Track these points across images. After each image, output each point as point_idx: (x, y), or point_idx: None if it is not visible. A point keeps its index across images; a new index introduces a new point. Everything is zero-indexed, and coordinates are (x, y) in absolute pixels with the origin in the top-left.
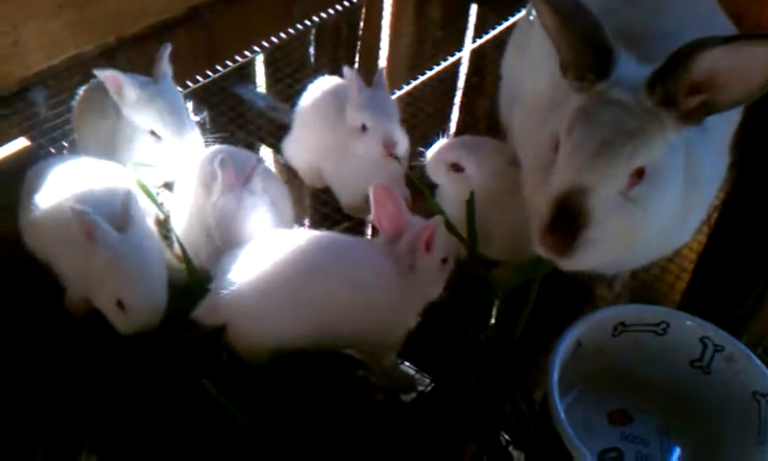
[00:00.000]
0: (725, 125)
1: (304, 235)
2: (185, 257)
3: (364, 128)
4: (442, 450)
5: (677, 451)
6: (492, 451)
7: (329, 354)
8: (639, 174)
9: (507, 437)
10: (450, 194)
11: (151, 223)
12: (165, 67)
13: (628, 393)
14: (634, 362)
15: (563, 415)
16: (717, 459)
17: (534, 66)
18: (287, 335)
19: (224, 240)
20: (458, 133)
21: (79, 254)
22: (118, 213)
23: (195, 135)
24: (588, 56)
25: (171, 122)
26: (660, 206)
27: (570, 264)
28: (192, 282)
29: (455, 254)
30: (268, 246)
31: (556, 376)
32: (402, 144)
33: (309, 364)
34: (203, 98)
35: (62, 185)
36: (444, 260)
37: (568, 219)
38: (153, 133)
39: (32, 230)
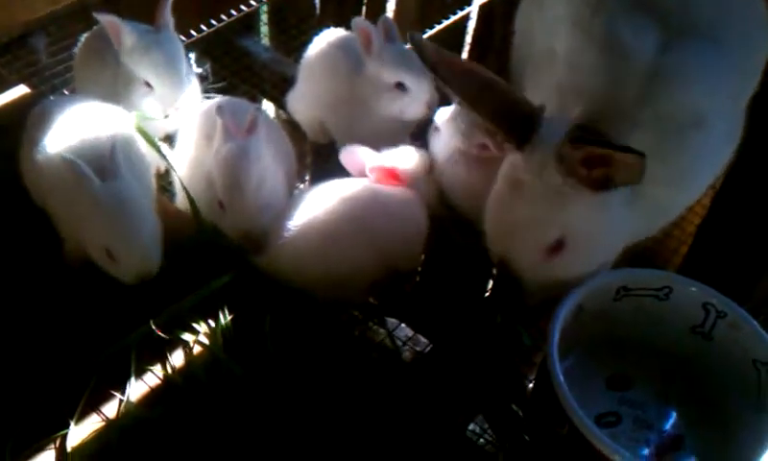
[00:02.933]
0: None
1: (354, 184)
2: (192, 207)
3: (400, 87)
4: (441, 410)
5: (674, 417)
6: (493, 411)
7: (332, 312)
8: (559, 244)
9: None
10: (436, 156)
11: (153, 172)
12: (167, 17)
13: (628, 358)
14: (634, 327)
15: (561, 378)
16: (716, 426)
17: (549, 26)
18: (351, 268)
19: (226, 189)
20: None
21: (72, 201)
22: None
23: (192, 89)
24: (505, 126)
25: (164, 74)
26: (590, 261)
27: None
28: (199, 232)
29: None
30: (323, 195)
31: (556, 339)
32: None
33: (312, 321)
34: (206, 49)
35: (61, 129)
36: None
37: (506, 283)
38: (147, 83)
39: (30, 174)
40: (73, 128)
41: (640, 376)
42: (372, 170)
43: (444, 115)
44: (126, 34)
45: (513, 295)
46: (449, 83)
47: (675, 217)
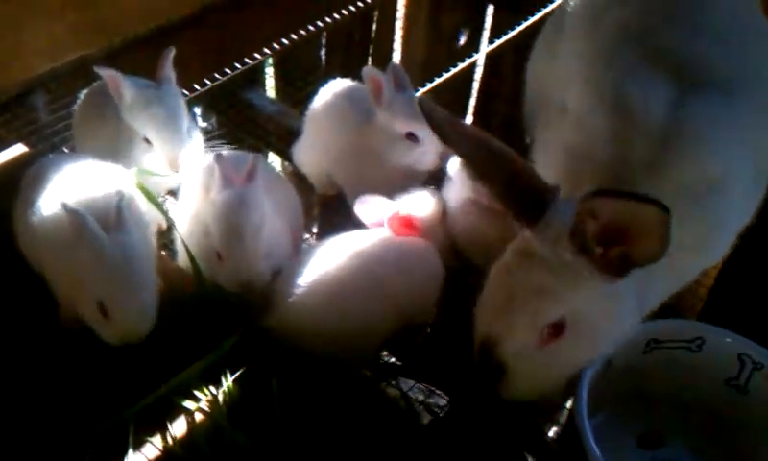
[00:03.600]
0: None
1: (366, 237)
2: (193, 265)
3: (412, 137)
4: None
5: None
6: None
7: (344, 373)
8: (559, 327)
9: None
10: (449, 203)
11: (154, 231)
12: (168, 71)
13: (659, 414)
14: (665, 381)
15: (592, 440)
16: None
17: (561, 80)
18: (366, 325)
19: (223, 237)
20: None
21: (69, 257)
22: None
23: (195, 145)
24: (515, 202)
25: (164, 130)
26: (589, 351)
27: (503, 396)
28: (200, 291)
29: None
30: (331, 249)
31: (585, 398)
32: None
33: (322, 384)
34: (210, 103)
35: (57, 187)
36: None
37: (489, 363)
38: (146, 139)
39: (25, 237)
40: (70, 185)
41: (673, 433)
42: (390, 220)
43: (456, 163)
44: (125, 88)
45: (489, 387)
46: (459, 152)
47: (691, 282)
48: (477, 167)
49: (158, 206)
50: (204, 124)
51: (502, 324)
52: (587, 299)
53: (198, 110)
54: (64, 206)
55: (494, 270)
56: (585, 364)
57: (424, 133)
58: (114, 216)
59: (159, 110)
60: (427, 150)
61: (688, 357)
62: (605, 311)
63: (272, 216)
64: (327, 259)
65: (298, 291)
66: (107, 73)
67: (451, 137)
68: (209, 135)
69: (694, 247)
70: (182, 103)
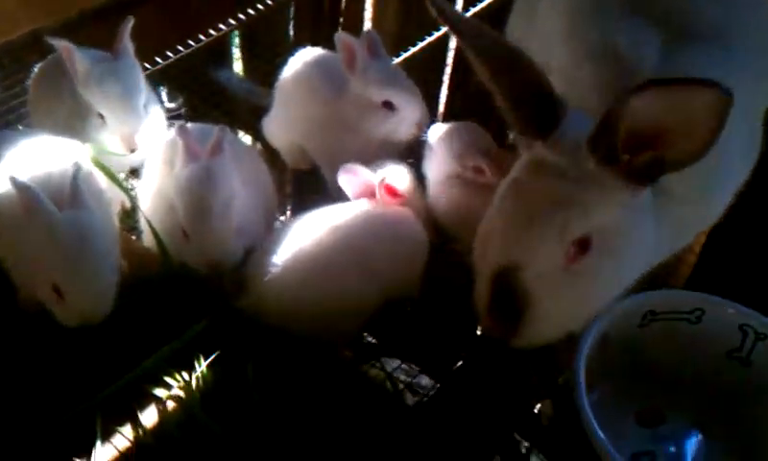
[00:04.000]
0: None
1: (345, 209)
2: (159, 244)
3: (388, 105)
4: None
5: (714, 450)
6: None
7: (324, 354)
8: (584, 244)
9: (525, 443)
10: (429, 176)
11: (117, 210)
12: (126, 42)
13: (658, 389)
14: (664, 355)
15: (593, 418)
16: (758, 456)
17: (541, 40)
18: (348, 302)
19: (189, 214)
20: (447, 112)
21: (22, 237)
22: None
23: (154, 121)
24: (526, 110)
25: (118, 107)
26: (615, 274)
27: (518, 344)
28: (167, 272)
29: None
30: (309, 224)
31: (582, 375)
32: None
33: (301, 367)
34: (177, 82)
35: (8, 162)
36: None
37: (505, 302)
38: (100, 115)
39: None
40: (22, 161)
41: (673, 409)
42: (380, 185)
43: (436, 134)
44: (79, 60)
45: (507, 331)
46: (475, 49)
47: (693, 237)
48: (493, 65)
49: (117, 182)
50: (171, 104)
51: (524, 245)
52: (611, 212)
53: (164, 90)
54: (13, 180)
55: (503, 191)
56: (610, 292)
57: (401, 100)
58: (69, 191)
59: (114, 85)
60: (405, 119)
61: (688, 329)
62: (628, 228)
63: (241, 191)
64: (305, 235)
65: (274, 269)
66: (60, 44)
67: (467, 33)
68: (175, 115)
69: (693, 202)
70: (140, 77)
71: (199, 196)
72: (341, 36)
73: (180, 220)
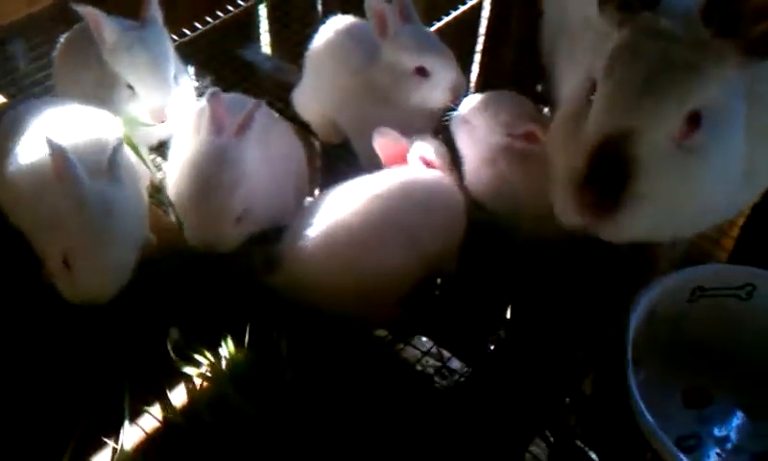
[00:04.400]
0: None
1: (383, 177)
2: (179, 224)
3: (421, 72)
4: (486, 444)
5: (760, 431)
6: (554, 445)
7: (357, 334)
8: (695, 120)
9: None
10: (466, 153)
11: (146, 184)
12: (154, 11)
13: (705, 369)
14: (712, 332)
15: (640, 400)
16: None
17: None
18: (387, 277)
19: (188, 191)
20: (480, 84)
21: (43, 206)
22: (101, 167)
23: (183, 92)
24: None
25: (147, 76)
26: (721, 159)
27: (612, 231)
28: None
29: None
30: (348, 195)
31: (629, 353)
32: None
33: (334, 345)
34: (205, 57)
35: (37, 131)
36: None
37: (611, 171)
38: (129, 86)
39: (4, 187)
40: (53, 129)
41: (721, 389)
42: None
43: (472, 105)
44: (107, 29)
45: (607, 200)
46: None
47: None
48: None
49: (144, 159)
50: (198, 83)
51: (641, 109)
52: (723, 89)
53: (191, 70)
54: (49, 141)
55: (616, 53)
56: (712, 186)
57: (435, 65)
58: (107, 163)
59: (143, 55)
60: (438, 84)
61: (737, 306)
62: (734, 113)
63: (261, 174)
64: (341, 205)
65: (308, 244)
66: (87, 11)
67: None
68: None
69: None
70: (169, 46)
71: (203, 175)
72: (371, 2)
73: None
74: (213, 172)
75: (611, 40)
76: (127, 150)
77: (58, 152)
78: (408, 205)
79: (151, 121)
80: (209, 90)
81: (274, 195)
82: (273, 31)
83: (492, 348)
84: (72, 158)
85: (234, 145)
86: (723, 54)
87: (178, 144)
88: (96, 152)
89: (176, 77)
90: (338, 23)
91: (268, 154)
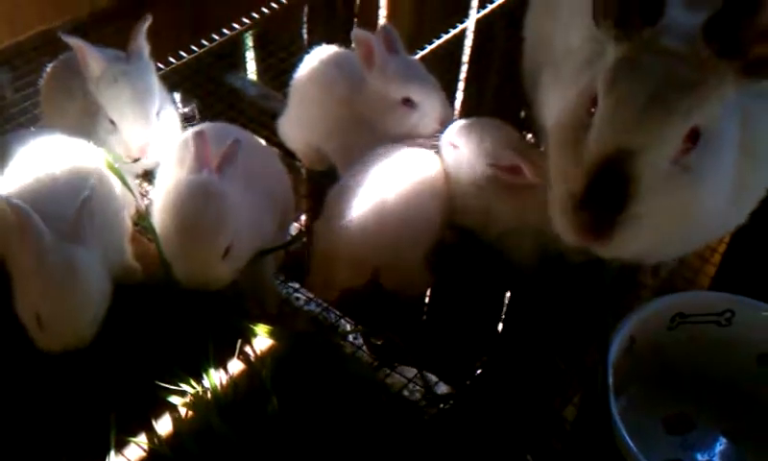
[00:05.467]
0: None
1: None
2: (161, 256)
3: (408, 103)
4: None
5: (742, 457)
6: None
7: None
8: (693, 137)
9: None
10: (453, 177)
11: (132, 211)
12: (141, 43)
13: (686, 395)
14: (693, 359)
15: (622, 427)
16: None
17: (566, 21)
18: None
19: (176, 229)
20: (464, 111)
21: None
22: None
23: (168, 125)
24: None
25: (129, 111)
26: (715, 177)
27: (610, 249)
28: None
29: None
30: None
31: (611, 379)
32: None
33: (322, 373)
34: (191, 85)
35: (20, 169)
36: None
37: (609, 192)
38: (111, 121)
39: None
40: (36, 168)
41: (703, 415)
42: None
43: (458, 131)
44: (93, 59)
45: (606, 219)
46: None
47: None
48: None
49: (129, 187)
50: (185, 109)
51: (645, 130)
52: (719, 107)
53: (177, 96)
54: (8, 200)
55: (617, 69)
56: (708, 202)
57: (422, 96)
58: (71, 221)
59: (126, 90)
60: (425, 115)
61: (717, 332)
62: (731, 126)
63: (245, 205)
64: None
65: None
66: (73, 42)
67: None
68: (189, 119)
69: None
70: (154, 81)
71: (189, 214)
72: (357, 33)
73: (170, 231)
74: (197, 210)
75: (607, 55)
76: (112, 178)
77: (19, 213)
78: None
79: (130, 156)
80: (194, 130)
81: (258, 225)
82: (258, 59)
83: (477, 372)
84: (32, 217)
85: (217, 180)
86: (723, 73)
87: (164, 173)
88: (71, 197)
89: (158, 113)
90: (323, 53)
91: (252, 184)
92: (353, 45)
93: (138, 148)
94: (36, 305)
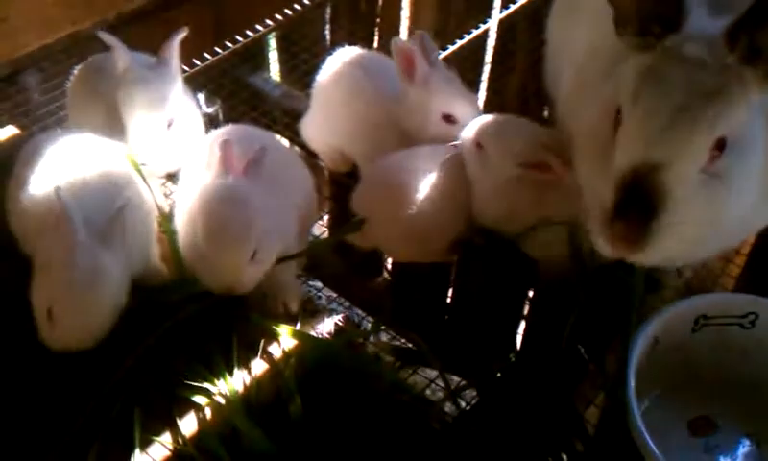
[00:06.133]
0: None
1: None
2: (174, 256)
3: (448, 118)
4: None
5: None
6: None
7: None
8: (720, 145)
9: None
10: (476, 176)
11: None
12: (170, 53)
13: (710, 397)
14: (716, 361)
15: (644, 429)
16: None
17: (589, 23)
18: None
19: (204, 234)
20: (486, 110)
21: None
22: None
23: (193, 127)
24: (654, 3)
25: (138, 117)
26: (744, 182)
27: (642, 257)
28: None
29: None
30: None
31: (632, 381)
32: None
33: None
34: (213, 88)
35: (52, 164)
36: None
37: (639, 203)
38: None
39: (17, 216)
40: (68, 168)
41: (726, 418)
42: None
43: (486, 130)
44: (120, 59)
45: (638, 230)
46: None
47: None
48: None
49: (152, 191)
50: (209, 110)
51: (670, 141)
52: (745, 113)
53: (201, 97)
54: (57, 190)
55: (636, 89)
56: (737, 207)
57: (463, 114)
58: (103, 228)
59: (139, 95)
60: (462, 128)
61: (741, 334)
62: (758, 130)
63: (270, 208)
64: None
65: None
66: (107, 38)
67: None
68: (214, 123)
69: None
70: (171, 91)
71: (216, 219)
72: (398, 43)
73: (197, 236)
74: (225, 215)
75: (630, 63)
76: (140, 182)
77: (62, 206)
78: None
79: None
80: (219, 134)
81: (282, 228)
82: (282, 60)
83: (499, 373)
84: (74, 215)
85: (243, 184)
86: (746, 79)
87: (186, 179)
88: (102, 200)
89: (171, 124)
90: (346, 54)
91: (275, 187)
92: (393, 56)
93: (141, 153)
94: (51, 299)
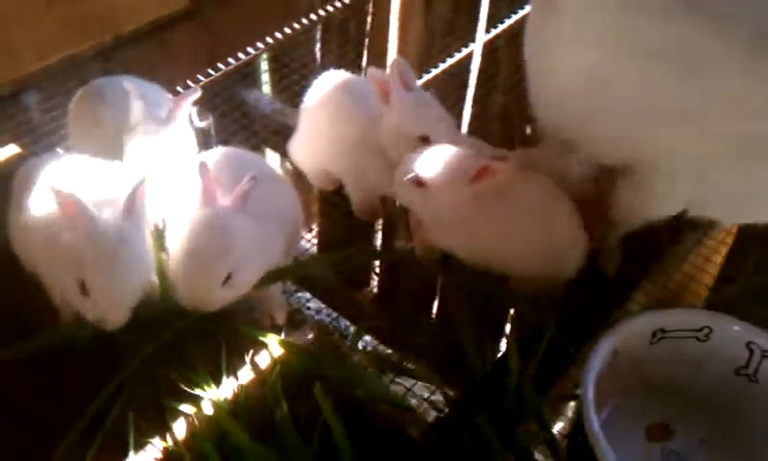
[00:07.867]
0: None
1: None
2: (158, 269)
3: (425, 140)
4: None
5: None
6: None
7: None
8: None
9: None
10: (423, 215)
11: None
12: (182, 112)
13: (667, 405)
14: (673, 372)
15: (602, 437)
16: None
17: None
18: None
19: (184, 256)
20: (471, 131)
21: (55, 246)
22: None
23: (185, 143)
24: None
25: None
26: None
27: None
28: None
29: None
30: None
31: (591, 392)
32: None
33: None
34: (205, 103)
35: (49, 180)
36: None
37: None
38: None
39: (20, 236)
40: (65, 179)
41: (683, 425)
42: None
43: (424, 166)
44: (135, 107)
45: None
46: None
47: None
48: None
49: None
50: (201, 124)
51: None
52: None
53: (194, 111)
54: (51, 187)
55: None
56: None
57: (439, 134)
58: (127, 200)
59: (149, 152)
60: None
61: (696, 347)
62: None
63: (252, 234)
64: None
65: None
66: (130, 87)
67: None
68: (206, 137)
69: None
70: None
71: (193, 246)
72: (372, 72)
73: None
74: (200, 241)
75: None
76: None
77: (60, 193)
78: None
79: None
80: (201, 161)
81: (266, 251)
82: (273, 81)
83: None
84: (81, 200)
85: (224, 213)
86: None
87: (175, 196)
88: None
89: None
90: (332, 79)
91: (261, 212)
92: (370, 83)
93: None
94: (81, 272)
